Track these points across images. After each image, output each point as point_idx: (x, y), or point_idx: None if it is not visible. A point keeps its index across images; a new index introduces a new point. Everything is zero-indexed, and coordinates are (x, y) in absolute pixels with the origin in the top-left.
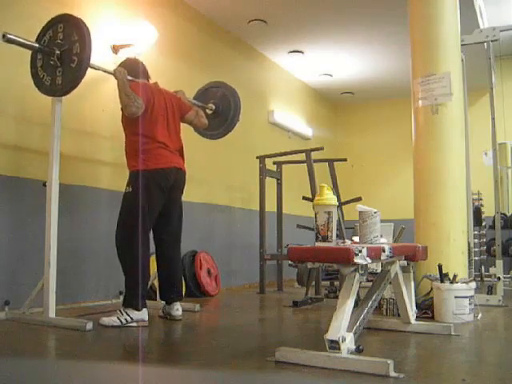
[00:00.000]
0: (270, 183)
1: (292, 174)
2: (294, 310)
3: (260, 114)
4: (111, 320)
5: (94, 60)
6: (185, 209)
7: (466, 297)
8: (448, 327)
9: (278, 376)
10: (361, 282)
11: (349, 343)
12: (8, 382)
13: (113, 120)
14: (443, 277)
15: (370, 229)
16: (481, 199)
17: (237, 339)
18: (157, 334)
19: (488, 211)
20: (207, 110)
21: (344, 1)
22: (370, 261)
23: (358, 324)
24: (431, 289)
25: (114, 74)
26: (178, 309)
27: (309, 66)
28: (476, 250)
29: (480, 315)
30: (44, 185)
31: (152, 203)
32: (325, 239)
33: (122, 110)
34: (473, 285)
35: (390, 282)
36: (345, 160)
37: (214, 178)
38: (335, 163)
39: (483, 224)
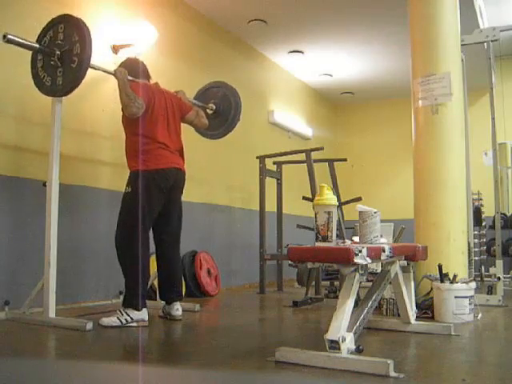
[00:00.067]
0: (270, 183)
1: (292, 174)
2: (294, 309)
3: (260, 114)
4: (111, 320)
5: (94, 60)
6: (185, 209)
7: (466, 297)
8: (448, 327)
9: (278, 376)
10: (361, 282)
11: (349, 343)
12: (8, 382)
13: (113, 120)
14: (443, 277)
15: (369, 229)
16: (481, 199)
17: (237, 339)
18: (157, 334)
19: (488, 211)
20: (208, 110)
21: (344, 1)
22: (369, 261)
23: (357, 324)
24: (431, 289)
25: (114, 74)
26: (178, 309)
27: (309, 66)
28: (476, 250)
29: (480, 315)
30: (44, 185)
31: (151, 203)
32: (325, 239)
33: (122, 110)
34: (473, 285)
35: (390, 282)
36: (345, 160)
37: (214, 177)
38: (335, 163)
39: (483, 224)
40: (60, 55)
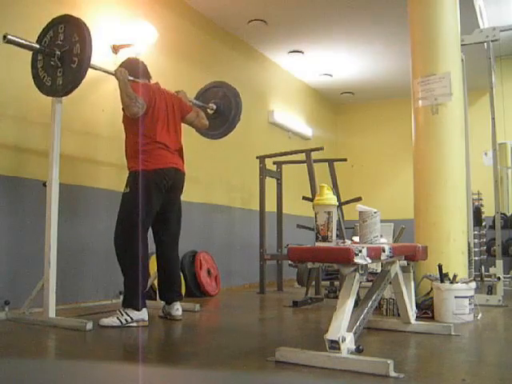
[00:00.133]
0: (270, 183)
1: (292, 174)
2: (294, 309)
3: (260, 114)
4: (111, 320)
5: (94, 60)
6: (185, 209)
7: (465, 297)
8: (448, 327)
9: (278, 376)
10: (361, 282)
11: (349, 343)
12: (8, 382)
13: (113, 120)
14: (443, 277)
15: (369, 229)
16: (481, 199)
17: (237, 339)
18: (157, 334)
19: (488, 211)
20: (208, 110)
21: (344, 1)
22: (369, 261)
23: (358, 324)
24: (431, 289)
25: (114, 74)
26: (177, 309)
27: (309, 66)
28: (476, 249)
29: (480, 315)
30: (44, 185)
31: (150, 203)
32: (325, 239)
33: (123, 110)
34: (473, 285)
35: (390, 282)
36: (345, 160)
37: (214, 177)
38: (335, 163)
39: (483, 224)
40: (60, 55)
